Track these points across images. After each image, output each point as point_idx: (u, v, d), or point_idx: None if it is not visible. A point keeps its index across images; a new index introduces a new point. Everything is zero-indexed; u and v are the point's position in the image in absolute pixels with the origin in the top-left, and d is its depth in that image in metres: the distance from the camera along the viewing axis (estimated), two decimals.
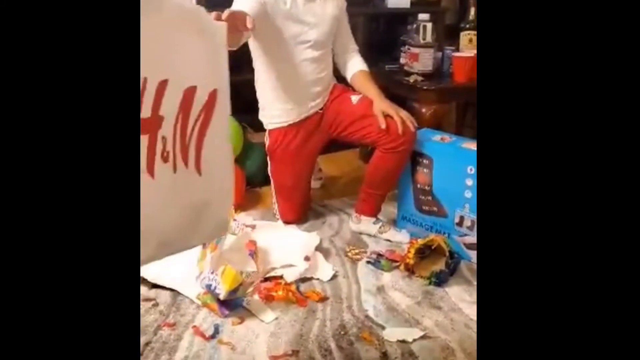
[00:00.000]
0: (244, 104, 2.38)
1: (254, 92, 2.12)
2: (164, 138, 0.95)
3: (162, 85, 0.93)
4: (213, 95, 1.06)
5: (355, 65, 2.07)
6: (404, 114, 1.90)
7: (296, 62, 1.92)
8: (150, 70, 0.88)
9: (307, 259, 1.75)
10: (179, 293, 1.63)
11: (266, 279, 1.68)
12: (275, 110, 2.02)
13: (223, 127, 1.12)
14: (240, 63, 1.99)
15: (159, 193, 0.96)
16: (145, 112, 0.90)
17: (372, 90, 1.98)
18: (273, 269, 1.68)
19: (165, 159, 0.97)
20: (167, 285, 1.65)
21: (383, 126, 1.86)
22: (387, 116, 1.88)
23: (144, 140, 0.90)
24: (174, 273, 1.65)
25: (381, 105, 1.90)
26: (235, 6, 1.87)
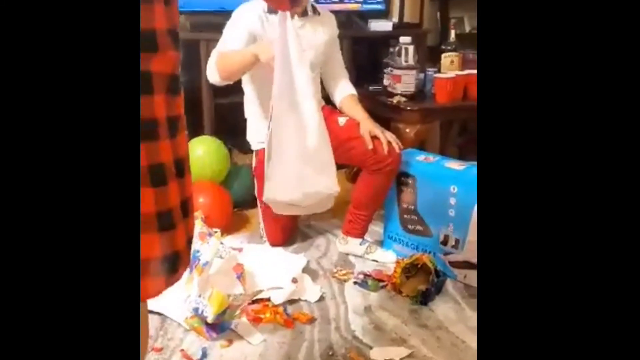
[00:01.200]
0: (230, 126, 2.41)
1: (240, 114, 2.13)
2: None
3: None
4: None
5: (345, 90, 2.11)
6: (389, 135, 1.94)
7: None
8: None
9: (294, 280, 1.75)
10: (166, 317, 1.63)
11: (254, 302, 1.68)
12: (264, 129, 2.04)
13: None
14: (227, 86, 2.01)
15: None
16: None
17: (360, 113, 2.01)
18: (260, 291, 1.68)
19: None
20: (155, 309, 1.64)
21: (370, 147, 1.89)
22: (373, 137, 1.91)
23: None
24: (161, 297, 1.64)
25: (368, 126, 1.94)
26: (226, 37, 1.94)
